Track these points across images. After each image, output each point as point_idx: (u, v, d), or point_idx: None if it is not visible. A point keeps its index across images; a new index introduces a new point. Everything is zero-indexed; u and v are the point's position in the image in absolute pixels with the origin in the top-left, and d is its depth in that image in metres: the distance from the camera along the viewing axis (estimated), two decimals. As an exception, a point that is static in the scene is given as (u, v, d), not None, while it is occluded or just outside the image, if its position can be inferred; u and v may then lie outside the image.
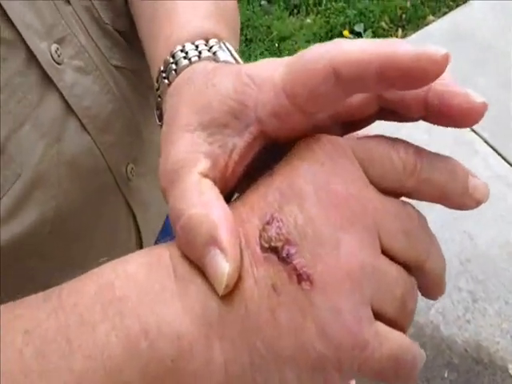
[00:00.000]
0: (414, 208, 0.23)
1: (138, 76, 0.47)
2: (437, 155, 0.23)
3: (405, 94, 0.22)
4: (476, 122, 0.21)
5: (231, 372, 0.21)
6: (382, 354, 0.21)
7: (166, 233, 0.58)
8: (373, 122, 0.26)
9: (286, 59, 0.23)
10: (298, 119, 0.23)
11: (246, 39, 2.15)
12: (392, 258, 0.22)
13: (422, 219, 0.23)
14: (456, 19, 2.18)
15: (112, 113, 0.43)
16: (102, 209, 0.44)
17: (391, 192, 0.23)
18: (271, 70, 0.23)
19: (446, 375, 1.34)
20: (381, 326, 0.21)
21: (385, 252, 0.22)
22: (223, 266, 0.21)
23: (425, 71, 0.20)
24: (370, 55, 0.20)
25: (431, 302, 1.42)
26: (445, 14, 2.29)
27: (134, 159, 0.47)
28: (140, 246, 0.52)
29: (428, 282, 0.24)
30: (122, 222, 0.48)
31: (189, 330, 0.21)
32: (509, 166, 1.74)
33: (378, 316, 0.22)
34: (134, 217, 0.49)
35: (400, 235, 0.22)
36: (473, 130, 1.80)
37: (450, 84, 0.21)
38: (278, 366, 0.21)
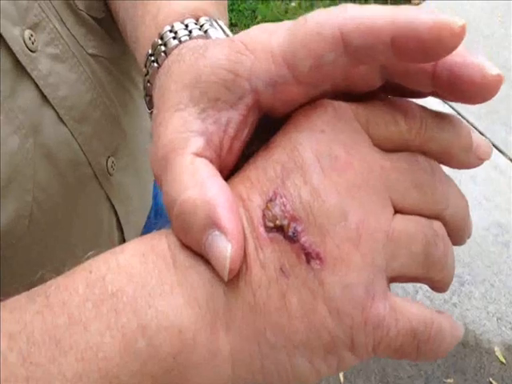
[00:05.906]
0: (424, 157, 0.21)
1: (115, 64, 0.44)
2: (440, 113, 0.22)
3: (409, 65, 0.20)
4: (491, 97, 0.19)
5: (238, 362, 0.20)
6: (398, 331, 0.20)
7: (149, 229, 0.55)
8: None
9: (284, 24, 0.21)
10: (296, 90, 0.21)
11: (231, 23, 2.12)
12: (409, 214, 0.21)
13: (434, 166, 0.21)
14: (442, 1, 2.17)
15: (90, 103, 0.41)
16: (82, 203, 0.42)
17: (396, 151, 0.21)
18: (267, 35, 0.21)
19: (433, 359, 1.35)
20: (397, 301, 0.20)
21: (399, 211, 0.20)
22: (225, 247, 0.19)
23: (443, 43, 0.17)
24: (384, 23, 0.18)
25: (418, 285, 1.43)
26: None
27: (114, 152, 0.44)
28: (123, 242, 0.49)
29: (453, 228, 0.22)
30: (103, 218, 0.46)
31: (191, 321, 0.19)
32: (494, 148, 1.75)
33: (404, 278, 0.21)
34: (116, 212, 0.47)
35: (412, 190, 0.20)
36: (458, 113, 1.79)
37: (462, 53, 0.19)
38: (289, 352, 0.20)
